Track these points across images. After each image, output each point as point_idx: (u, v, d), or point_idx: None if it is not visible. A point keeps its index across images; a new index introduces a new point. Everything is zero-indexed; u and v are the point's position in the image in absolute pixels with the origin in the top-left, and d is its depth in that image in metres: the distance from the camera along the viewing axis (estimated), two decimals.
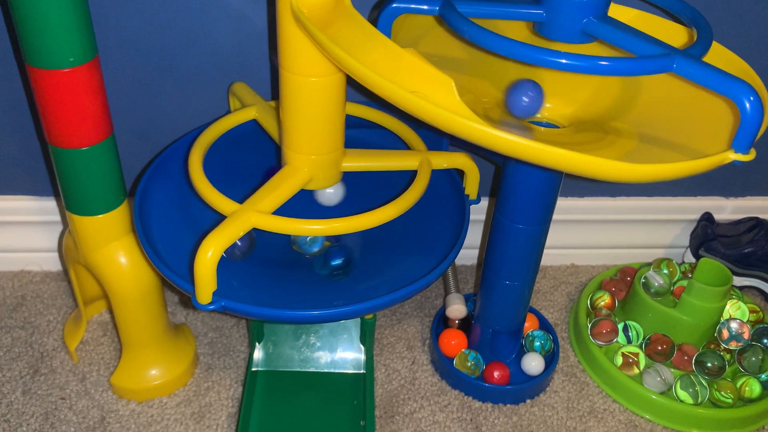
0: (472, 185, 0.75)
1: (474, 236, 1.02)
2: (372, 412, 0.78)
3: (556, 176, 0.71)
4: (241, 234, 0.61)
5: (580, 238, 1.05)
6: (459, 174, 0.79)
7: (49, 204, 0.94)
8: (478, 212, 0.99)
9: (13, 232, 0.96)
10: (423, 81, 0.53)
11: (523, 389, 0.85)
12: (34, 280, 0.97)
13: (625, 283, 0.98)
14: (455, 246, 0.70)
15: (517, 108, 0.68)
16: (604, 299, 0.94)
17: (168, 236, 0.71)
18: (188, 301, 0.95)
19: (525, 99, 0.67)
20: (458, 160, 0.73)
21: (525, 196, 0.72)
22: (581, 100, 0.68)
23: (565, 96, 0.71)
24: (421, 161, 0.71)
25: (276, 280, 0.72)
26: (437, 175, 0.77)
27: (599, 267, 1.07)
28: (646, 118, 0.65)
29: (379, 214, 0.65)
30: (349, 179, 0.74)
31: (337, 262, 0.73)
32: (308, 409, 0.80)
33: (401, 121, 0.78)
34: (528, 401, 0.86)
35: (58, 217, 0.95)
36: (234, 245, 0.69)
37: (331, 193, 0.74)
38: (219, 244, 0.59)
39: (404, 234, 0.77)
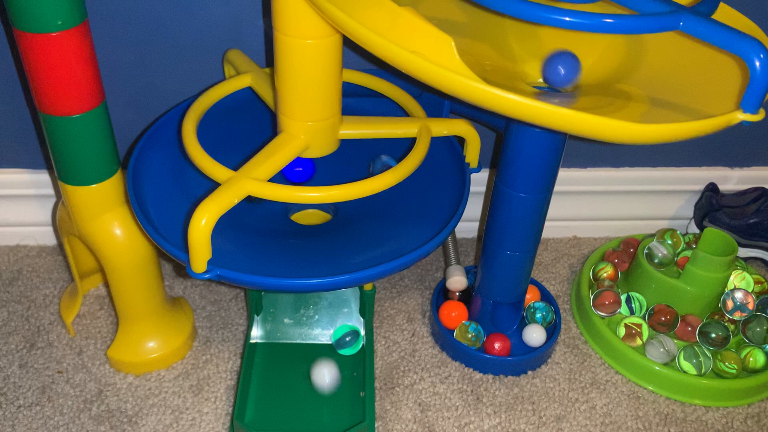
0: (472, 153, 0.74)
1: (474, 209, 1.00)
2: (372, 384, 0.77)
3: (558, 143, 0.69)
4: (236, 201, 0.60)
5: (582, 210, 1.03)
6: (459, 142, 0.77)
7: (43, 177, 0.93)
8: (478, 184, 0.98)
9: (7, 206, 0.95)
10: (422, 40, 0.51)
11: (524, 360, 0.84)
12: (29, 254, 0.96)
13: (628, 254, 0.97)
14: (455, 214, 0.69)
15: (554, 76, 0.66)
16: (606, 270, 0.93)
17: (162, 206, 0.70)
18: (185, 273, 0.94)
19: (561, 69, 0.66)
20: (458, 126, 0.71)
21: (527, 163, 0.71)
22: (586, 63, 0.67)
23: None
24: (420, 128, 0.69)
25: (272, 250, 0.71)
26: (437, 143, 0.76)
27: (601, 239, 1.05)
28: (652, 81, 0.63)
29: (377, 182, 0.63)
30: (347, 148, 0.72)
31: None
32: (307, 381, 0.79)
33: (400, 88, 0.77)
34: (529, 372, 0.85)
35: (52, 191, 0.94)
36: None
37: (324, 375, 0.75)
38: (213, 212, 0.58)
39: (403, 203, 0.75)
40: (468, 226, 1.03)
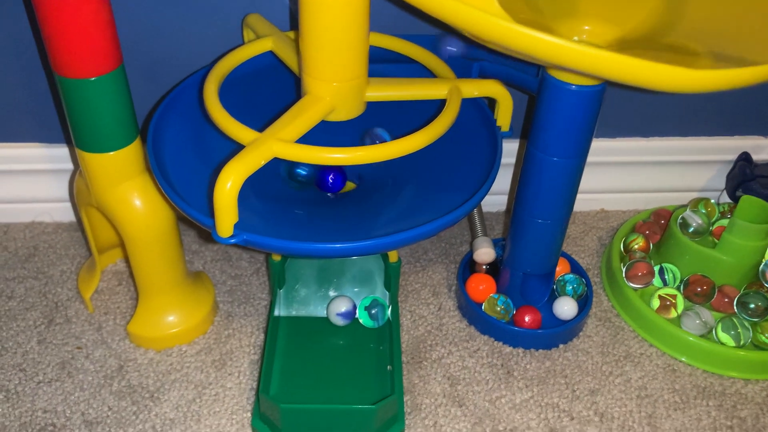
0: (504, 115, 0.71)
1: (502, 181, 0.97)
2: (399, 357, 0.75)
3: (595, 102, 0.66)
4: (262, 163, 0.57)
5: (610, 182, 1.00)
6: (490, 107, 0.75)
7: (60, 151, 0.90)
8: (508, 156, 0.95)
9: (22, 182, 0.92)
10: None
11: (555, 333, 0.81)
12: (46, 230, 0.94)
13: (659, 225, 0.94)
14: (487, 179, 0.66)
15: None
16: (638, 242, 0.90)
17: (183, 173, 0.68)
18: (210, 239, 0.92)
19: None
20: (490, 87, 0.69)
21: (560, 125, 0.68)
22: (624, 18, 0.63)
23: (606, 16, 0.66)
24: (450, 89, 0.66)
25: (297, 217, 0.68)
26: (466, 108, 0.73)
27: (630, 212, 1.03)
28: (697, 33, 0.60)
29: (406, 143, 0.60)
30: (373, 112, 0.70)
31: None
32: (333, 355, 0.77)
33: (428, 50, 0.74)
34: (561, 346, 0.82)
35: (69, 165, 0.92)
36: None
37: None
38: (239, 173, 0.56)
39: (432, 170, 0.73)
40: (495, 199, 1.00)
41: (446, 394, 0.76)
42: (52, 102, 0.86)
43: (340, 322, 0.78)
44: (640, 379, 0.79)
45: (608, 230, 0.99)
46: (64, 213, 0.95)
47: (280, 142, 0.58)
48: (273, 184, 0.72)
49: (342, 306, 0.78)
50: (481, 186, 0.66)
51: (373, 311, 0.80)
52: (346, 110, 0.65)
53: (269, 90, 0.78)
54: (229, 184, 0.55)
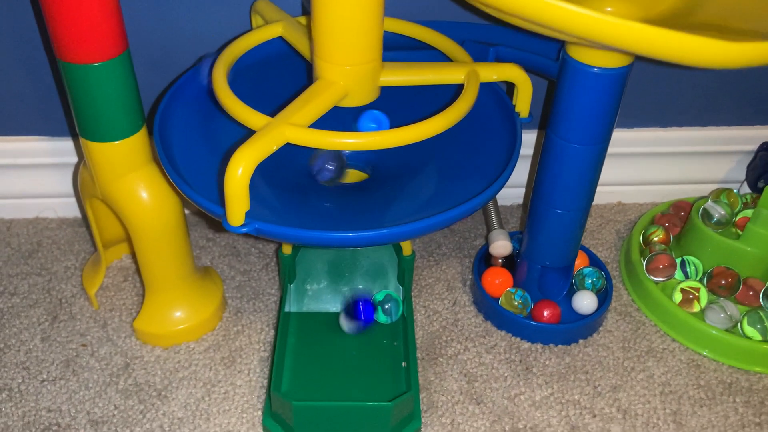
0: (523, 100, 0.68)
1: (518, 174, 0.95)
2: (414, 353, 0.72)
3: (619, 83, 0.64)
4: (274, 149, 0.55)
5: (627, 174, 0.97)
6: (508, 93, 0.72)
7: (64, 145, 0.88)
8: (525, 147, 0.92)
9: (25, 177, 0.90)
10: None
11: (575, 328, 0.78)
12: (49, 226, 0.92)
13: (679, 218, 0.91)
14: (507, 166, 0.64)
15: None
16: (658, 234, 0.87)
17: (192, 162, 0.66)
18: (212, 244, 0.90)
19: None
20: (509, 71, 0.66)
21: (582, 109, 0.65)
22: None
23: None
24: (468, 73, 0.64)
25: (308, 207, 0.66)
26: (483, 93, 0.70)
27: (647, 205, 1.00)
28: (726, 11, 0.57)
29: (424, 127, 0.58)
30: (386, 99, 0.67)
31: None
32: (345, 352, 0.74)
33: (442, 34, 0.71)
34: (580, 341, 0.80)
35: (73, 159, 0.89)
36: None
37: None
38: (250, 159, 0.53)
39: (449, 157, 0.70)
40: (510, 192, 0.97)
41: (463, 391, 0.74)
42: (55, 93, 0.84)
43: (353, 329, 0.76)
44: (664, 374, 0.76)
45: (626, 223, 0.96)
46: (68, 208, 0.93)
47: (293, 126, 0.56)
48: (282, 173, 0.70)
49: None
50: (501, 173, 0.63)
51: (386, 306, 0.77)
52: (360, 95, 0.63)
53: (278, 79, 0.76)
54: (240, 170, 0.53)
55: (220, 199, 0.56)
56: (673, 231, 0.89)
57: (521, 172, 0.95)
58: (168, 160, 0.62)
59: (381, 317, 0.77)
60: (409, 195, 0.68)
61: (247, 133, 0.57)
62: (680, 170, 0.98)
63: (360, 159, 0.76)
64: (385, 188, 0.70)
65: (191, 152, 0.67)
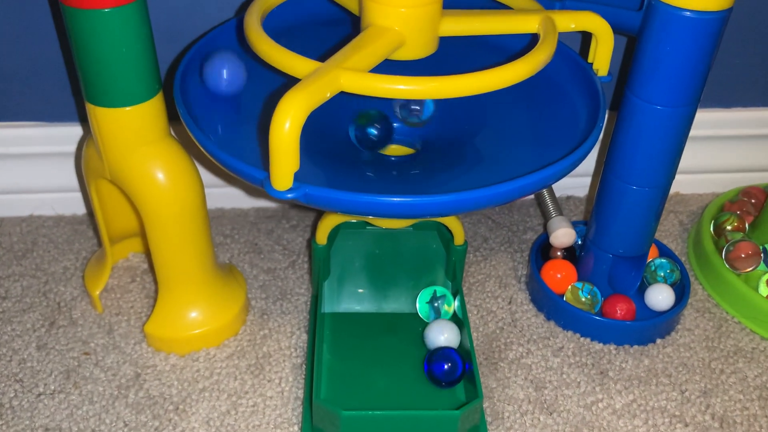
0: (603, 55, 0.59)
1: (586, 162, 0.85)
2: (474, 357, 0.61)
3: (714, 34, 0.55)
4: (328, 96, 0.45)
5: (685, 161, 0.88)
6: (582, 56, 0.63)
7: (64, 131, 0.78)
8: None
9: (18, 169, 0.80)
10: None
11: (653, 325, 0.68)
12: (46, 224, 0.81)
13: (751, 205, 0.82)
14: (594, 129, 0.54)
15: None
16: (731, 222, 0.78)
17: (219, 127, 0.56)
18: (231, 241, 0.79)
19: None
20: (588, 19, 0.57)
21: (670, 64, 0.56)
22: None
23: None
24: (543, 20, 0.55)
25: (358, 176, 0.56)
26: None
27: (708, 195, 0.90)
28: None
29: (498, 74, 0.48)
30: (441, 56, 0.58)
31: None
32: (391, 356, 0.64)
33: None
34: (658, 341, 0.69)
35: (72, 148, 0.79)
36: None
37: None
38: (301, 107, 0.43)
39: (515, 123, 0.61)
40: (570, 182, 0.87)
41: (531, 400, 0.63)
42: (54, 67, 0.74)
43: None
44: (758, 377, 0.66)
45: (688, 214, 0.87)
46: (67, 205, 0.82)
47: (350, 71, 0.46)
48: (326, 145, 0.60)
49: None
50: (586, 138, 0.54)
51: (435, 304, 0.67)
52: (418, 45, 0.54)
53: (316, 44, 0.67)
54: (288, 120, 0.43)
55: (263, 160, 0.46)
56: (746, 219, 0.80)
57: (588, 162, 0.85)
58: (192, 121, 0.53)
59: (430, 317, 0.67)
60: (472, 164, 0.58)
61: (282, 93, 0.48)
62: (745, 156, 0.89)
63: (410, 132, 0.66)
64: (439, 160, 0.61)
65: (218, 116, 0.57)
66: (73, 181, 0.81)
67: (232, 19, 0.65)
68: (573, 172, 0.85)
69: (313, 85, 0.44)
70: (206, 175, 0.80)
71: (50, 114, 0.77)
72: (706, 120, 0.85)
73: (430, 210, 0.48)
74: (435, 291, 0.68)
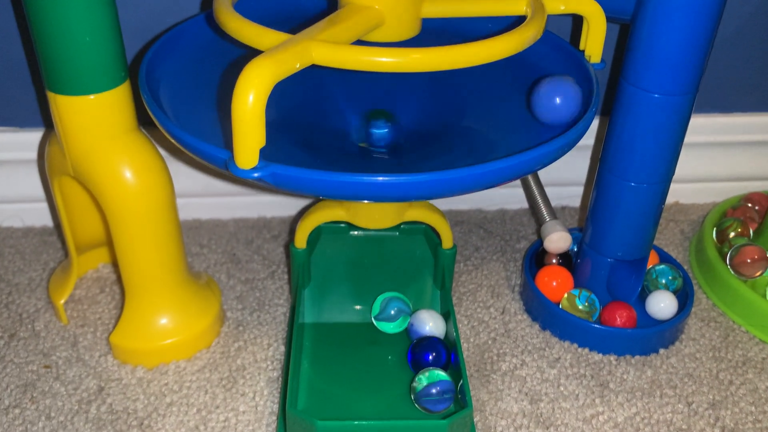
0: (595, 40, 0.56)
1: (579, 171, 0.81)
2: (463, 366, 0.57)
3: (713, 15, 0.52)
4: (297, 68, 0.42)
5: (683, 170, 0.85)
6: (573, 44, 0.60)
7: (34, 137, 0.74)
8: (585, 136, 0.79)
9: None
10: None
11: (656, 334, 0.64)
12: (13, 235, 0.77)
13: (754, 211, 0.78)
14: (589, 108, 0.51)
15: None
16: (735, 228, 0.74)
17: (185, 113, 0.52)
18: (207, 251, 0.75)
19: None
20: (579, 0, 0.54)
21: (667, 48, 0.53)
22: None
23: None
24: (530, 1, 0.52)
25: (335, 160, 0.52)
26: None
27: (707, 205, 0.87)
28: None
29: (490, 46, 0.44)
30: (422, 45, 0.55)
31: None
32: (375, 369, 0.59)
33: None
34: (661, 351, 0.65)
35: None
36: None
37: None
38: (267, 75, 0.39)
39: (510, 110, 0.57)
40: (561, 192, 0.83)
41: (526, 413, 0.58)
42: (18, 70, 0.71)
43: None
44: None
45: (689, 222, 0.83)
46: (38, 215, 0.78)
47: (322, 42, 0.43)
48: (301, 134, 0.56)
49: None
50: (580, 119, 0.50)
51: (392, 312, 0.62)
52: (398, 26, 0.50)
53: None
54: (252, 92, 0.39)
55: (225, 139, 0.43)
56: (751, 225, 0.76)
57: (580, 170, 0.82)
58: (156, 105, 0.49)
59: (385, 327, 0.63)
60: (459, 154, 0.54)
61: None
62: (745, 163, 0.85)
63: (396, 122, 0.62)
64: (425, 150, 0.57)
65: (185, 105, 0.54)
66: (42, 190, 0.77)
67: (204, 13, 0.62)
68: (567, 181, 0.83)
69: (282, 54, 0.41)
70: (184, 183, 0.76)
71: (19, 118, 0.74)
72: (705, 126, 0.82)
73: (414, 191, 0.44)
74: (391, 298, 0.63)
